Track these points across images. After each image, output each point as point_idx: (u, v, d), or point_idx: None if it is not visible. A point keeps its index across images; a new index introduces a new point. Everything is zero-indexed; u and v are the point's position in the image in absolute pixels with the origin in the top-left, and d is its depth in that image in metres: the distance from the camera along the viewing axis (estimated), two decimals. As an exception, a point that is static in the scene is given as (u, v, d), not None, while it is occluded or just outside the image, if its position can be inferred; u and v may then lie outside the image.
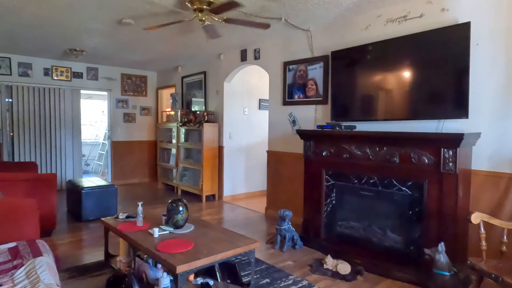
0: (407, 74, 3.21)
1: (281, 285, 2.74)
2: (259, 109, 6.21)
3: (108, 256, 2.97)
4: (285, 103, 4.62)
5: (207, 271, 2.53)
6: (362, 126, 3.58)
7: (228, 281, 2.51)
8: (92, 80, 6.90)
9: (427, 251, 2.52)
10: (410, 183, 2.95)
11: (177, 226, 2.55)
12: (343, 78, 3.75)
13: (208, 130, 5.70)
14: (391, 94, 3.34)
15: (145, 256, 2.50)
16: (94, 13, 3.78)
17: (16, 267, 2.07)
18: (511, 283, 1.90)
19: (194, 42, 5.04)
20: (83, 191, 4.40)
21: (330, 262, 3.07)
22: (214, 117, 5.91)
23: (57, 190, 4.29)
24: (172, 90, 7.22)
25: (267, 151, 4.95)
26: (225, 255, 2.16)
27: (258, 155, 6.06)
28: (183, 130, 6.30)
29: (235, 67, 5.51)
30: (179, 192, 6.36)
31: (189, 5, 3.14)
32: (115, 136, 7.29)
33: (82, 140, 8.84)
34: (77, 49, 5.50)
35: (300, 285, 2.76)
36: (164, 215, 2.70)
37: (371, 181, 3.22)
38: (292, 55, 4.51)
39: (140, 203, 2.71)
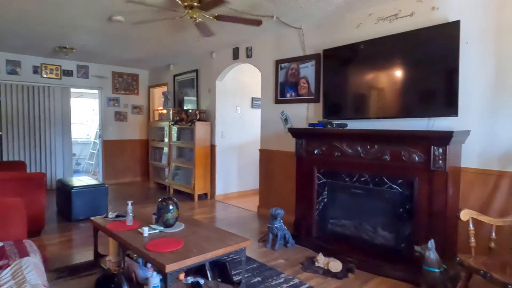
0: (398, 72, 3.22)
1: (272, 283, 2.74)
2: (252, 107, 6.20)
3: (98, 255, 2.93)
4: (277, 101, 4.61)
5: (198, 270, 2.51)
6: (354, 124, 3.59)
7: (219, 280, 2.49)
8: (83, 78, 6.82)
9: (417, 248, 2.53)
10: (400, 180, 2.97)
11: (167, 225, 2.52)
12: (334, 76, 3.76)
13: (200, 128, 5.67)
14: (383, 92, 3.35)
15: (135, 255, 2.47)
16: (83, 10, 3.73)
17: (1, 268, 2.03)
18: (499, 279, 1.91)
19: (186, 40, 5.00)
20: (72, 190, 4.35)
21: (321, 260, 3.07)
22: (206, 116, 5.88)
23: (46, 190, 4.24)
24: (164, 89, 7.17)
25: (259, 150, 4.94)
26: (215, 253, 2.15)
27: (251, 153, 6.05)
28: (175, 129, 6.26)
29: (227, 65, 5.49)
30: (171, 191, 6.32)
31: (179, 1, 3.11)
32: (106, 135, 7.22)
33: (72, 139, 8.76)
34: (67, 47, 5.43)
35: (291, 283, 2.75)
36: (154, 214, 2.67)
37: (362, 179, 3.23)
38: (284, 53, 4.50)
39: (129, 202, 2.68)
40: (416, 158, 2.83)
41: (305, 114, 4.26)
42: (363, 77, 3.50)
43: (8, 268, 2.00)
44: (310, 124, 3.65)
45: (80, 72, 6.77)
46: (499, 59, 2.71)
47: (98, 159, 7.75)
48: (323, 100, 3.90)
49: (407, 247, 2.92)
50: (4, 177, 3.58)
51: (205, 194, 5.86)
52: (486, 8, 2.77)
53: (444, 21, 2.94)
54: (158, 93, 7.60)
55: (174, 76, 6.80)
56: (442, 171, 2.68)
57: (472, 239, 2.26)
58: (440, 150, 2.67)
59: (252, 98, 6.19)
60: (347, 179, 3.36)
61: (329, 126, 3.49)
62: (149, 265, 2.31)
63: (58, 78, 6.50)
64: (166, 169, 6.48)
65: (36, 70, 6.26)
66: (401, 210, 2.97)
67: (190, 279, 2.42)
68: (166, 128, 6.48)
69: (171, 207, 2.51)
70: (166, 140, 6.52)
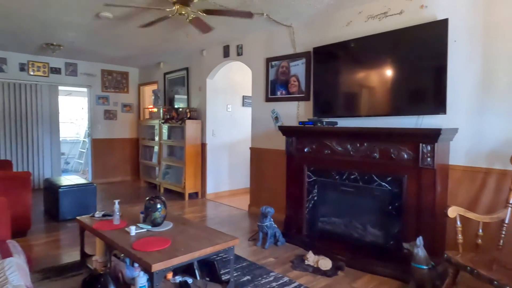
0: (387, 70, 3.23)
1: (261, 282, 2.72)
2: (243, 106, 6.17)
3: (84, 256, 2.88)
4: (267, 99, 4.60)
5: (186, 269, 2.48)
6: (345, 122, 3.59)
7: (207, 279, 2.47)
8: (71, 76, 6.71)
9: (405, 245, 2.54)
10: (390, 178, 2.98)
11: (155, 224, 2.49)
12: (325, 74, 3.75)
13: (191, 127, 5.63)
14: (373, 90, 3.36)
15: (122, 255, 2.43)
16: (70, 6, 3.66)
17: (-18, 269, 1.97)
18: (486, 275, 1.92)
19: (176, 38, 4.95)
20: (60, 189, 4.27)
21: (311, 258, 3.07)
22: (197, 114, 5.84)
23: (32, 189, 4.16)
24: (155, 87, 7.10)
25: (250, 148, 4.92)
26: (203, 252, 2.12)
27: (242, 152, 6.03)
28: (166, 127, 6.20)
29: (218, 63, 5.45)
30: (162, 190, 6.27)
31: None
32: (96, 134, 7.12)
33: (61, 138, 8.63)
34: (54, 44, 5.33)
35: (281, 281, 2.74)
36: (142, 213, 2.63)
37: (352, 177, 3.24)
38: (274, 51, 4.49)
39: (117, 201, 2.64)
40: (405, 156, 2.84)
41: (295, 112, 4.25)
42: (353, 75, 3.50)
43: (-10, 269, 1.95)
44: (300, 122, 3.65)
45: (68, 70, 6.66)
46: (486, 58, 2.73)
47: (87, 158, 7.65)
48: (313, 98, 3.90)
49: (396, 245, 2.93)
50: (-12, 176, 3.50)
51: (196, 193, 5.82)
52: (474, 6, 2.78)
53: (432, 19, 2.95)
54: (148, 91, 7.53)
55: (165, 74, 6.74)
56: (430, 169, 2.69)
57: (460, 236, 2.28)
58: (429, 147, 2.68)
59: (243, 96, 6.17)
60: (337, 177, 3.36)
61: (319, 124, 3.49)
62: (136, 264, 2.28)
63: (45, 76, 6.39)
64: (157, 168, 6.42)
65: (23, 67, 6.14)
66: (390, 207, 2.98)
67: (178, 279, 2.39)
68: (157, 127, 6.42)
69: (158, 205, 2.47)
70: (156, 138, 6.46)
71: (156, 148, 6.49)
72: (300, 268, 3.00)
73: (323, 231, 3.53)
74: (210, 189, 5.80)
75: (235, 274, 2.83)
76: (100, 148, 7.17)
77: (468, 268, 2.02)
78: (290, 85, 4.30)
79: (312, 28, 4.03)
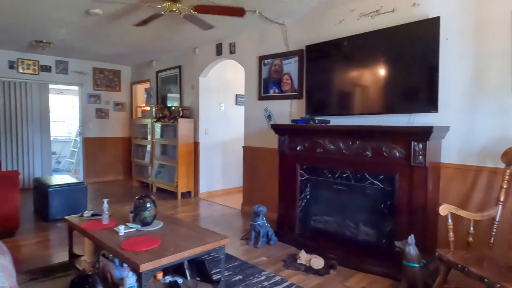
0: (380, 68, 3.22)
1: (253, 281, 2.70)
2: (236, 104, 6.14)
3: (73, 256, 2.83)
4: (260, 98, 4.57)
5: (177, 269, 2.45)
6: (338, 121, 3.58)
7: (198, 278, 2.44)
8: (62, 74, 6.62)
9: (397, 243, 2.54)
10: (382, 176, 2.97)
11: (144, 223, 2.45)
12: (317, 72, 3.74)
13: (183, 125, 5.58)
14: (365, 88, 3.35)
15: (111, 255, 2.39)
16: (59, 2, 3.60)
17: (-35, 270, 1.91)
18: (477, 273, 1.92)
19: (168, 35, 4.90)
20: (49, 189, 4.20)
21: (303, 257, 3.05)
22: (190, 113, 5.79)
23: (21, 189, 4.11)
24: (147, 85, 7.04)
25: (243, 147, 4.89)
26: (193, 252, 2.09)
27: (235, 151, 5.99)
28: (158, 126, 6.15)
29: (211, 61, 5.41)
30: (154, 190, 6.22)
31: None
32: (87, 133, 7.04)
33: (53, 137, 8.52)
34: (44, 41, 5.24)
35: (272, 280, 2.72)
36: (131, 212, 2.59)
37: (344, 175, 3.23)
38: (267, 49, 4.46)
39: (105, 200, 2.60)
40: (397, 154, 2.83)
41: (288, 110, 4.23)
42: (346, 73, 3.49)
43: (-27, 271, 1.90)
44: (293, 121, 3.63)
45: (59, 68, 6.57)
46: (477, 56, 2.73)
47: (79, 158, 7.56)
48: (306, 96, 3.88)
49: (388, 243, 2.92)
50: (-25, 175, 3.43)
51: (189, 192, 5.77)
52: (466, 4, 2.78)
53: (424, 17, 2.95)
54: (140, 90, 7.46)
55: (157, 72, 6.68)
56: (422, 167, 2.69)
57: (451, 234, 2.27)
58: (420, 145, 2.67)
59: (236, 95, 6.13)
60: (329, 175, 3.35)
61: (311, 122, 3.47)
62: (125, 265, 2.24)
63: (35, 74, 6.29)
64: (149, 167, 6.36)
65: (12, 65, 6.04)
66: (382, 206, 2.98)
67: (169, 279, 2.35)
68: (149, 126, 6.36)
69: (148, 205, 2.44)
70: (149, 137, 6.39)
71: (148, 147, 6.43)
72: (292, 267, 2.98)
73: (316, 230, 3.52)
74: (203, 188, 5.76)
75: (226, 274, 2.80)
76: (91, 147, 7.08)
77: (459, 266, 2.02)
78: (283, 83, 4.28)
79: (304, 26, 4.01)
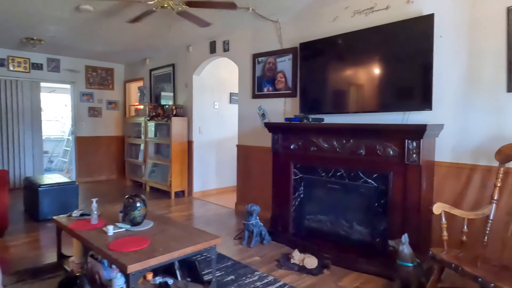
0: (374, 66, 3.19)
1: (246, 281, 2.66)
2: (230, 103, 6.09)
3: (61, 257, 2.77)
4: (254, 96, 4.53)
5: (167, 270, 2.40)
6: (332, 119, 3.54)
7: (189, 279, 2.39)
8: (54, 72, 6.52)
9: (391, 242, 2.51)
10: (375, 175, 2.94)
11: (134, 223, 2.40)
12: (311, 70, 3.70)
13: (177, 124, 5.53)
14: (359, 86, 3.32)
15: (99, 256, 2.34)
16: (48, -2, 3.53)
17: None
18: (470, 272, 1.90)
19: (161, 33, 4.84)
20: (40, 188, 4.13)
21: (297, 256, 3.02)
22: (183, 111, 5.74)
23: (12, 188, 4.03)
24: (140, 83, 6.96)
25: (237, 146, 4.85)
26: (183, 252, 2.05)
27: (229, 150, 5.94)
28: (151, 125, 6.08)
29: (204, 59, 5.36)
30: (148, 189, 6.15)
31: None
32: (80, 132, 6.95)
33: (46, 136, 8.42)
34: (35, 38, 5.16)
35: (265, 280, 2.68)
36: (121, 212, 2.54)
37: (338, 174, 3.20)
38: (261, 47, 4.42)
39: (94, 200, 2.54)
40: (391, 152, 2.80)
41: (282, 109, 4.19)
42: (340, 71, 3.45)
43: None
44: (287, 119, 3.59)
45: (50, 66, 6.47)
46: (471, 53, 2.71)
47: (71, 157, 7.46)
48: (300, 95, 3.85)
49: (382, 242, 2.90)
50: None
51: (182, 192, 5.72)
52: (460, 1, 2.76)
53: (418, 15, 2.93)
54: (134, 88, 7.38)
55: (150, 70, 6.61)
56: (416, 165, 2.66)
57: (445, 233, 2.25)
58: (414, 143, 2.65)
59: (230, 93, 6.08)
60: (323, 174, 3.32)
61: (305, 121, 3.43)
62: (114, 266, 2.19)
63: (26, 72, 6.19)
64: (143, 166, 6.29)
65: (2, 62, 5.94)
66: (376, 204, 2.95)
67: (159, 279, 2.31)
68: (143, 124, 6.29)
69: (138, 204, 2.39)
70: (142, 136, 6.33)
71: (142, 146, 6.36)
72: (285, 267, 2.94)
73: (310, 229, 3.49)
74: (197, 187, 5.71)
75: (218, 274, 2.76)
76: (84, 146, 7.00)
77: (453, 265, 1.99)
78: (277, 82, 4.24)
79: (298, 24, 3.97)
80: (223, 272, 2.82)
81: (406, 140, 2.68)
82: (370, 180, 2.98)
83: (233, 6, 3.12)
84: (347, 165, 3.11)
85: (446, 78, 2.84)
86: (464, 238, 2.29)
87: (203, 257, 3.04)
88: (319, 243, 3.27)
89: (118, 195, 5.86)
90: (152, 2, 3.09)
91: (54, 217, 2.69)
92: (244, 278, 2.72)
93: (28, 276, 2.67)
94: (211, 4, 3.12)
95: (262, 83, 4.43)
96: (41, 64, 6.36)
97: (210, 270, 2.75)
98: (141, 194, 2.47)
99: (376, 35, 3.16)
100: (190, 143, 5.66)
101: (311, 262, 2.93)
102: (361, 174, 3.04)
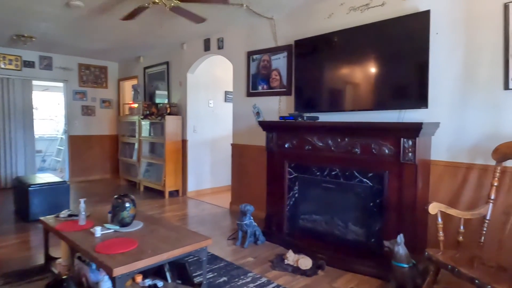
0: (369, 63, 3.14)
1: (238, 283, 2.60)
2: (225, 101, 6.03)
3: (49, 259, 2.70)
4: (249, 94, 4.47)
5: (157, 272, 2.34)
6: (327, 117, 3.49)
7: (179, 281, 2.33)
8: (46, 70, 6.42)
9: (386, 243, 2.46)
10: (371, 174, 2.89)
11: (123, 224, 2.34)
12: (306, 68, 3.65)
13: (171, 123, 5.46)
14: (355, 84, 3.27)
15: (87, 258, 2.27)
16: (37, -7, 3.45)
17: None
18: (467, 273, 1.85)
19: (155, 31, 4.77)
20: (29, 188, 4.05)
21: (291, 257, 2.97)
22: (177, 110, 5.66)
23: (1, 188, 3.94)
24: (135, 82, 6.88)
25: (231, 144, 4.79)
26: (172, 254, 1.99)
27: (224, 149, 5.88)
28: (145, 124, 6.01)
29: (199, 57, 5.29)
30: (142, 189, 6.08)
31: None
32: (73, 130, 6.86)
33: (39, 135, 8.31)
34: (25, 35, 5.06)
35: (258, 282, 2.63)
36: (110, 213, 2.48)
37: (333, 173, 3.14)
38: (255, 44, 4.36)
39: (82, 200, 2.47)
40: (386, 151, 2.75)
41: (277, 107, 4.13)
42: (335, 69, 3.40)
43: None
44: (281, 117, 3.53)
45: (42, 64, 6.37)
46: (468, 50, 2.67)
47: (65, 156, 7.37)
48: (295, 93, 3.79)
49: (377, 242, 2.85)
50: None
51: (177, 191, 5.65)
52: (456, -3, 2.71)
53: (414, 11, 2.87)
54: (128, 86, 7.30)
55: (144, 68, 6.53)
56: (411, 164, 2.61)
57: (441, 233, 2.20)
58: (410, 142, 2.60)
59: (225, 91, 6.02)
60: (318, 173, 3.27)
61: (299, 119, 3.38)
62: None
63: (18, 70, 6.09)
64: (137, 166, 6.21)
65: (-7, 60, 5.84)
66: (371, 204, 2.90)
67: (148, 282, 2.24)
68: (137, 123, 6.21)
69: (127, 204, 2.32)
70: (137, 135, 6.24)
71: (136, 145, 6.28)
72: (279, 268, 2.89)
73: (304, 229, 3.44)
74: (191, 187, 5.64)
75: (211, 275, 2.71)
76: (77, 145, 6.90)
77: (449, 266, 1.95)
78: (272, 80, 4.18)
79: (293, 21, 3.91)
80: (215, 274, 2.76)
81: (402, 139, 2.63)
82: (365, 180, 2.93)
83: (225, 1, 3.05)
84: (342, 164, 3.06)
85: (442, 76, 2.80)
86: (461, 238, 2.25)
87: (195, 258, 2.98)
88: (314, 243, 3.22)
89: (111, 194, 5.73)
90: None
91: (41, 218, 2.62)
92: (236, 279, 2.67)
93: (15, 279, 2.60)
94: None
95: (256, 81, 4.37)
96: (33, 62, 6.26)
97: (202, 271, 2.70)
98: (130, 194, 2.41)
99: (372, 32, 3.11)
100: (184, 142, 5.59)
101: (305, 262, 2.88)
102: (356, 173, 2.98)
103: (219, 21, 4.33)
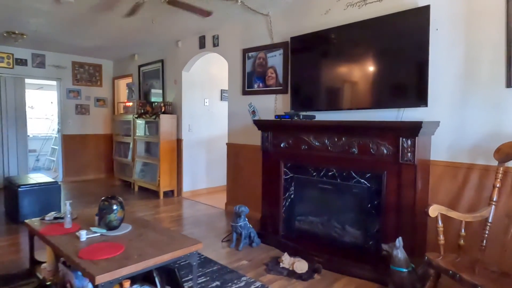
0: (367, 60, 3.05)
1: (231, 288, 2.51)
2: (221, 100, 5.93)
3: (34, 263, 2.60)
4: (244, 92, 4.37)
5: (146, 277, 2.24)
6: (324, 116, 3.40)
7: (168, 287, 2.24)
8: (39, 68, 6.31)
9: (384, 246, 2.37)
10: (368, 175, 2.80)
11: (110, 227, 2.24)
12: (302, 65, 3.55)
13: (166, 122, 5.36)
14: (353, 81, 3.17)
15: (72, 262, 2.17)
16: (24, -12, 3.34)
17: None
18: (469, 280, 1.76)
19: (149, 28, 4.66)
20: (19, 189, 3.95)
21: (286, 260, 2.88)
22: (172, 108, 5.56)
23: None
24: (129, 80, 6.77)
25: (226, 144, 4.69)
26: (160, 260, 1.89)
27: (220, 148, 5.76)
28: (140, 123, 5.90)
29: (194, 54, 5.18)
30: (136, 189, 5.97)
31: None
32: (66, 129, 6.74)
33: (33, 134, 8.20)
34: (16, 32, 4.95)
35: (252, 286, 2.54)
36: (97, 215, 2.38)
37: (330, 173, 3.05)
38: (251, 41, 4.26)
39: (68, 202, 2.37)
40: (385, 151, 2.66)
41: (273, 105, 4.04)
42: (332, 66, 3.31)
43: None
44: (276, 116, 3.44)
45: (35, 62, 6.26)
46: (469, 47, 2.58)
47: (58, 155, 7.26)
48: (291, 91, 3.69)
49: (375, 245, 2.76)
50: None
51: (172, 191, 5.55)
52: (457, -8, 2.62)
53: (413, 6, 2.78)
54: (123, 85, 7.18)
55: (139, 66, 6.42)
56: (411, 164, 2.52)
57: (441, 237, 2.11)
58: (409, 142, 2.51)
59: (221, 90, 5.91)
60: (314, 173, 3.17)
61: (296, 118, 3.28)
62: (86, 273, 2.02)
63: (10, 68, 5.97)
64: (132, 166, 6.11)
65: (-16, 58, 5.72)
66: (369, 205, 2.81)
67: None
68: (132, 122, 6.10)
69: (114, 207, 2.23)
70: (132, 134, 6.14)
71: (131, 145, 6.17)
72: (274, 272, 2.80)
73: (300, 231, 3.35)
74: (186, 187, 5.55)
75: (203, 280, 2.62)
76: (71, 144, 6.79)
77: (450, 272, 1.86)
78: (268, 77, 4.08)
79: (289, 17, 3.82)
80: (208, 278, 2.67)
81: (401, 138, 2.54)
82: (363, 180, 2.84)
83: (206, 14, 2.98)
84: (339, 164, 2.97)
85: (442, 73, 2.70)
86: (462, 242, 2.15)
87: (188, 262, 2.88)
88: (310, 245, 3.13)
89: (104, 195, 5.65)
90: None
91: (26, 221, 2.52)
92: (230, 284, 2.58)
93: (0, 283, 2.50)
94: (187, 7, 2.98)
95: (252, 79, 4.27)
96: (25, 60, 6.14)
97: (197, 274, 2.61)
98: (118, 197, 2.31)
99: (370, 28, 3.01)
100: (179, 141, 5.49)
101: (301, 266, 2.79)
102: (353, 174, 2.89)
103: (214, 18, 4.22)
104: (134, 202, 5.18)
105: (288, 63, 3.77)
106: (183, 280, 2.52)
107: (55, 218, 2.53)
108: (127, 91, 6.49)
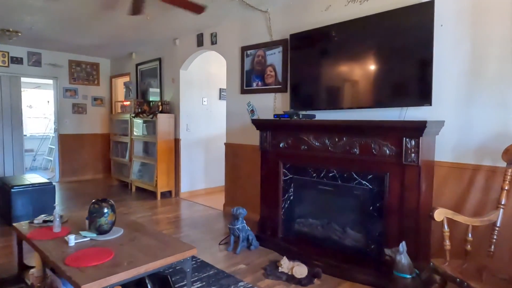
0: (369, 57, 2.95)
1: (228, 294, 2.42)
2: (220, 99, 5.83)
3: (23, 268, 2.50)
4: (243, 91, 4.27)
5: (138, 284, 2.15)
6: (325, 115, 3.30)
7: (162, 294, 2.15)
8: (35, 67, 6.20)
9: (387, 251, 2.27)
10: (370, 176, 2.70)
11: (101, 232, 2.14)
12: (302, 63, 3.45)
13: (163, 121, 5.26)
14: (354, 80, 3.07)
15: (61, 268, 2.08)
16: (16, -17, 3.24)
17: None
18: (477, 288, 1.67)
19: (146, 25, 4.56)
20: (12, 190, 3.86)
21: (285, 264, 2.78)
22: (170, 107, 5.46)
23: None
24: (127, 79, 6.67)
25: (225, 144, 4.59)
26: (152, 266, 1.80)
27: (219, 148, 5.67)
28: (138, 122, 5.80)
29: (192, 52, 5.08)
30: (133, 189, 5.88)
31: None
32: (63, 129, 6.65)
33: (30, 134, 8.12)
34: (10, 30, 4.85)
35: (249, 293, 2.45)
36: (87, 219, 2.28)
37: (330, 174, 2.95)
38: (250, 39, 4.16)
39: (56, 205, 2.28)
40: (387, 151, 2.57)
41: (272, 104, 3.94)
42: (332, 64, 3.21)
43: None
44: (275, 115, 3.34)
45: (31, 60, 6.16)
46: (475, 44, 2.48)
47: (55, 155, 7.17)
48: (290, 89, 3.59)
49: (377, 249, 2.67)
50: None
51: (169, 192, 5.46)
52: (462, -14, 2.52)
53: (417, 2, 2.68)
54: (121, 84, 7.07)
55: (137, 65, 6.32)
56: (414, 165, 2.43)
57: (447, 242, 2.01)
58: (413, 142, 2.41)
59: (220, 89, 5.81)
60: (314, 174, 3.08)
61: (295, 117, 3.19)
62: (75, 280, 1.93)
63: (5, 66, 5.87)
64: (129, 166, 6.01)
65: (-22, 56, 5.63)
66: (371, 208, 2.71)
67: (128, 295, 2.05)
68: (130, 121, 6.00)
69: (105, 210, 2.13)
70: (129, 134, 6.04)
71: (129, 144, 6.07)
72: (272, 276, 2.70)
73: (300, 234, 3.25)
74: (184, 187, 5.45)
75: (199, 285, 2.53)
76: (68, 144, 6.70)
77: (458, 280, 1.76)
78: (267, 76, 3.98)
79: (289, 14, 3.72)
80: (204, 283, 2.57)
81: (404, 138, 2.44)
82: (364, 182, 2.74)
83: (200, 10, 2.88)
84: (340, 165, 2.87)
85: (447, 71, 2.60)
86: (469, 247, 2.06)
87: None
88: (310, 249, 3.04)
89: (101, 195, 5.58)
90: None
91: (15, 224, 2.43)
92: (226, 289, 2.48)
93: (-13, 289, 2.41)
94: (178, 2, 2.88)
95: (251, 77, 4.17)
96: (21, 58, 6.04)
97: (192, 279, 2.51)
98: (109, 199, 2.21)
99: (372, 25, 2.91)
100: (177, 141, 5.40)
101: (300, 270, 2.69)
102: (354, 175, 2.80)
103: (212, 15, 4.13)
104: (131, 203, 5.08)
105: (288, 61, 3.67)
106: (177, 286, 2.43)
107: (44, 221, 2.43)
108: (125, 90, 6.39)
